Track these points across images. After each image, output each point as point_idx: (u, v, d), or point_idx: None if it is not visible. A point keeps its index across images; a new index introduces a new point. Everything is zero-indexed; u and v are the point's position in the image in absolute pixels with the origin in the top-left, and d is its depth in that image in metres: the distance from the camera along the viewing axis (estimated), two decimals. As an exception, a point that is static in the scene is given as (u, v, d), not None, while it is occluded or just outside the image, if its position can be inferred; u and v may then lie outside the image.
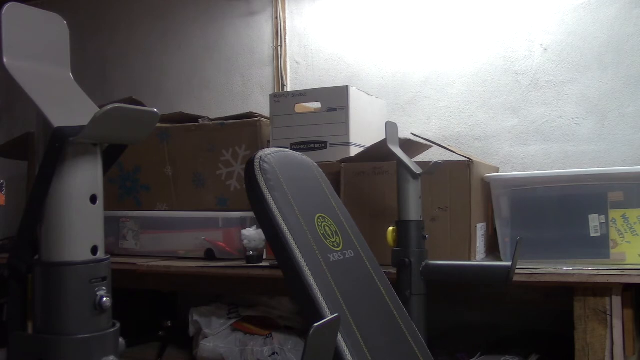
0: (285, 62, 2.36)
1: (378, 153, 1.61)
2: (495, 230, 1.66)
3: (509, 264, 1.30)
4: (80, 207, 0.71)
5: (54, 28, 0.77)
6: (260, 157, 1.19)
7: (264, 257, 1.69)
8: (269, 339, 1.76)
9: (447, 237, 1.55)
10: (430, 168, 1.49)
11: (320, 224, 1.21)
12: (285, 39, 2.36)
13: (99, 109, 0.67)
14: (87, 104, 0.76)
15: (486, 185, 1.64)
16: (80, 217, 0.71)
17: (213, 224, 1.83)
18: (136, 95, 2.14)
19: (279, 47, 2.36)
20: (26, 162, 2.38)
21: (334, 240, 1.22)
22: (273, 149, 1.26)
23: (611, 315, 1.33)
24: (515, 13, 2.02)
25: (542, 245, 1.54)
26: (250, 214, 1.65)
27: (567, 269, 1.41)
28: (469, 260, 1.53)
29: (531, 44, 1.99)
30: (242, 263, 1.69)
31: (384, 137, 1.49)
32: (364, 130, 1.80)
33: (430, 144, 1.77)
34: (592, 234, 1.49)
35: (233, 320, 1.83)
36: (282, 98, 1.84)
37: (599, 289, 1.35)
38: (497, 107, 2.03)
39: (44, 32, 0.76)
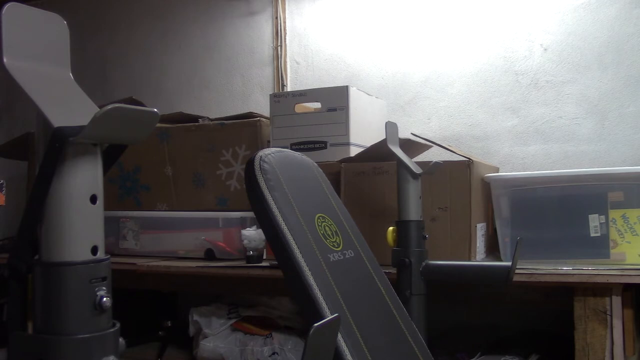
0: (285, 62, 2.36)
1: (378, 153, 1.61)
2: (495, 230, 1.66)
3: (509, 264, 1.30)
4: (80, 207, 0.71)
5: (54, 28, 0.77)
6: (260, 157, 1.19)
7: (264, 257, 1.69)
8: (269, 339, 1.76)
9: (447, 237, 1.55)
10: (430, 168, 1.49)
11: (320, 224, 1.21)
12: (285, 39, 2.36)
13: (99, 109, 0.67)
14: (87, 104, 0.76)
15: (486, 185, 1.64)
16: (80, 217, 0.71)
17: (213, 224, 1.83)
18: (136, 95, 2.14)
19: (279, 47, 2.36)
20: (26, 162, 2.38)
21: (334, 240, 1.22)
22: (273, 149, 1.26)
23: (611, 315, 1.33)
24: (515, 13, 2.02)
25: (542, 245, 1.54)
26: (250, 214, 1.65)
27: (567, 269, 1.41)
28: (469, 260, 1.53)
29: (531, 44, 1.99)
30: (242, 263, 1.69)
31: (384, 137, 1.49)
32: (364, 130, 1.80)
33: (430, 144, 1.77)
34: (592, 234, 1.49)
35: (233, 320, 1.83)
36: (282, 98, 1.84)
37: (599, 289, 1.34)
38: (497, 107, 2.03)
39: (44, 32, 0.76)
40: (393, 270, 1.42)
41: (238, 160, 1.90)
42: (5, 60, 0.70)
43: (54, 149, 0.69)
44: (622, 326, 1.34)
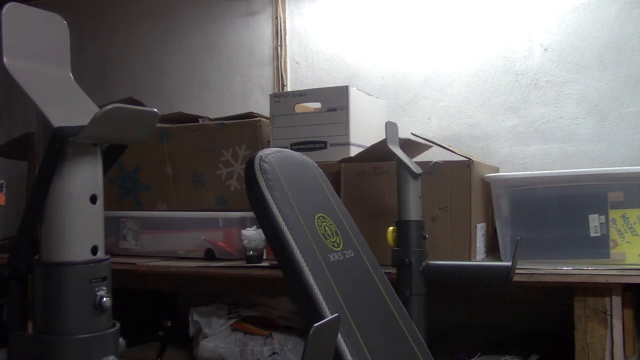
0: (285, 62, 2.36)
1: (378, 153, 1.61)
2: (495, 230, 1.66)
3: (509, 264, 1.30)
4: (80, 207, 0.71)
5: (54, 28, 0.77)
6: (260, 157, 1.19)
7: (264, 257, 1.69)
8: (269, 339, 1.76)
9: (447, 237, 1.55)
10: (430, 168, 1.49)
11: (320, 224, 1.21)
12: (285, 39, 2.36)
13: (99, 109, 0.67)
14: (87, 104, 0.76)
15: (486, 185, 1.64)
16: (80, 217, 0.71)
17: (213, 224, 1.83)
18: (136, 95, 2.14)
19: (279, 47, 2.36)
20: (26, 162, 2.38)
21: (334, 240, 1.22)
22: (273, 149, 1.26)
23: (611, 315, 1.33)
24: (515, 13, 2.02)
25: (542, 245, 1.54)
26: (250, 214, 1.65)
27: (567, 269, 1.41)
28: (469, 260, 1.53)
29: (531, 44, 1.99)
30: (242, 263, 1.69)
31: (384, 137, 1.49)
32: (364, 130, 1.80)
33: (430, 144, 1.77)
34: (592, 234, 1.49)
35: (233, 320, 1.83)
36: (282, 98, 1.84)
37: (599, 289, 1.34)
38: (497, 107, 2.03)
39: (44, 32, 0.76)
40: (393, 270, 1.42)
41: (238, 160, 1.90)
42: (5, 60, 0.70)
43: (54, 149, 0.69)
44: (622, 326, 1.34)
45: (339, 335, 1.04)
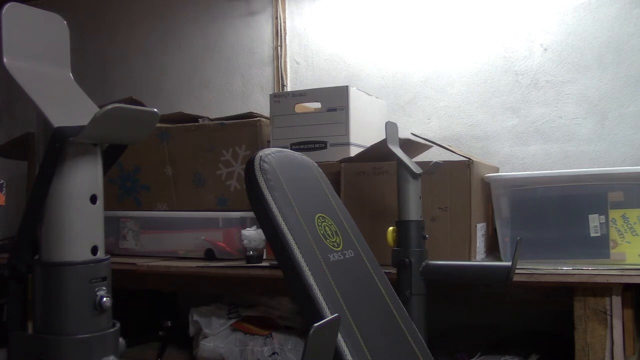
0: (285, 62, 2.36)
1: (378, 153, 1.61)
2: (495, 230, 1.66)
3: (509, 264, 1.30)
4: (80, 207, 0.71)
5: (54, 28, 0.77)
6: (260, 157, 1.19)
7: (264, 257, 1.69)
8: (269, 339, 1.76)
9: (447, 237, 1.55)
10: (430, 168, 1.49)
11: (320, 224, 1.21)
12: (285, 39, 2.36)
13: (99, 109, 0.67)
14: (87, 104, 0.76)
15: (486, 185, 1.64)
16: (80, 217, 0.71)
17: (213, 224, 1.83)
18: (136, 95, 2.14)
19: (279, 47, 2.36)
20: (26, 162, 2.38)
21: (334, 240, 1.22)
22: (273, 149, 1.26)
23: (611, 315, 1.33)
24: (515, 13, 2.02)
25: (542, 245, 1.54)
26: (250, 214, 1.65)
27: (567, 269, 1.41)
28: (469, 260, 1.53)
29: (531, 44, 1.99)
30: (242, 263, 1.69)
31: (384, 137, 1.49)
32: (364, 130, 1.80)
33: (430, 144, 1.77)
34: (592, 234, 1.49)
35: (233, 320, 1.83)
36: (282, 98, 1.84)
37: (599, 289, 1.34)
38: (497, 107, 2.03)
39: (44, 32, 0.76)
40: (393, 270, 1.42)
41: (238, 160, 1.90)
42: (5, 60, 0.70)
43: (54, 149, 0.69)
44: (622, 326, 1.34)
45: (339, 335, 1.04)
